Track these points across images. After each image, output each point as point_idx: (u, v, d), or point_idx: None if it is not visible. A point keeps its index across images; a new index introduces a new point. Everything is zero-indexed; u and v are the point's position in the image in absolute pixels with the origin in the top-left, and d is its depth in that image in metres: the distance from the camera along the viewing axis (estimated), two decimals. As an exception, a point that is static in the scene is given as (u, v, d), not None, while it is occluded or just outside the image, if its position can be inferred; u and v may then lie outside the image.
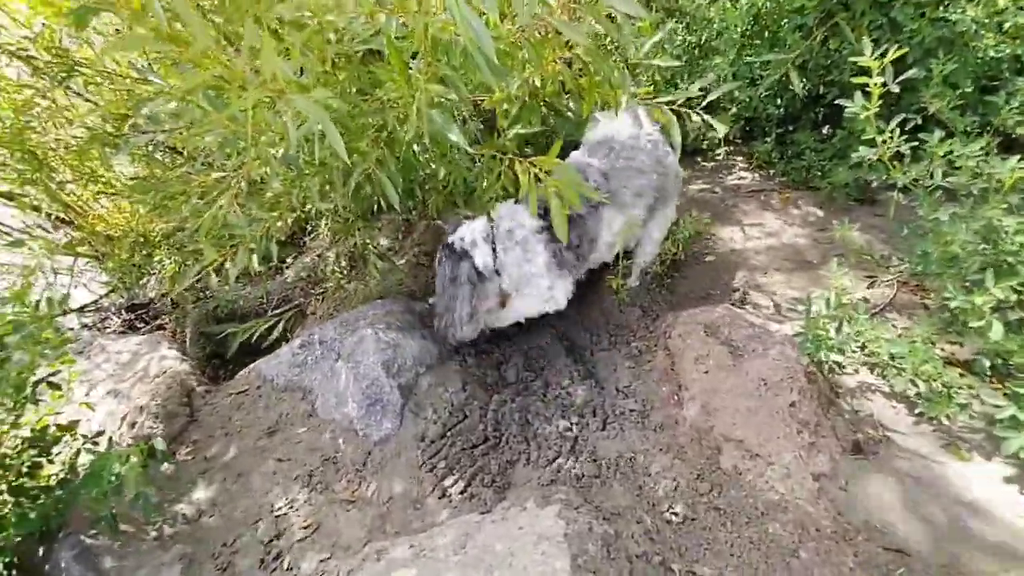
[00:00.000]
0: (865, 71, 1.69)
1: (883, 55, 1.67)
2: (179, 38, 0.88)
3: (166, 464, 1.81)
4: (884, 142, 1.71)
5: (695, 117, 1.70)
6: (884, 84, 1.67)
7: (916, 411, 1.69)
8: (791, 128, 3.10)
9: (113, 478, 1.59)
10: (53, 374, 1.73)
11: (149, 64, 1.62)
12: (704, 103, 1.77)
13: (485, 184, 1.82)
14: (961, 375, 1.72)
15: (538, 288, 1.99)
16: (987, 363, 1.68)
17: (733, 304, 2.22)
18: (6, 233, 3.10)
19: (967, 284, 1.62)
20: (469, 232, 1.92)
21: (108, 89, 2.65)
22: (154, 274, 3.19)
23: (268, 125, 1.28)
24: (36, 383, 1.67)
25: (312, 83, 1.09)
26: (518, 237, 1.90)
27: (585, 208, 1.92)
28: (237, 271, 1.62)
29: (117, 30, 2.58)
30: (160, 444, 1.71)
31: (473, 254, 1.89)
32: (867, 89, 1.70)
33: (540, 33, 1.42)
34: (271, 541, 1.65)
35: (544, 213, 1.81)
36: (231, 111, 1.05)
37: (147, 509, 1.59)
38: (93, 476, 1.57)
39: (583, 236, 1.97)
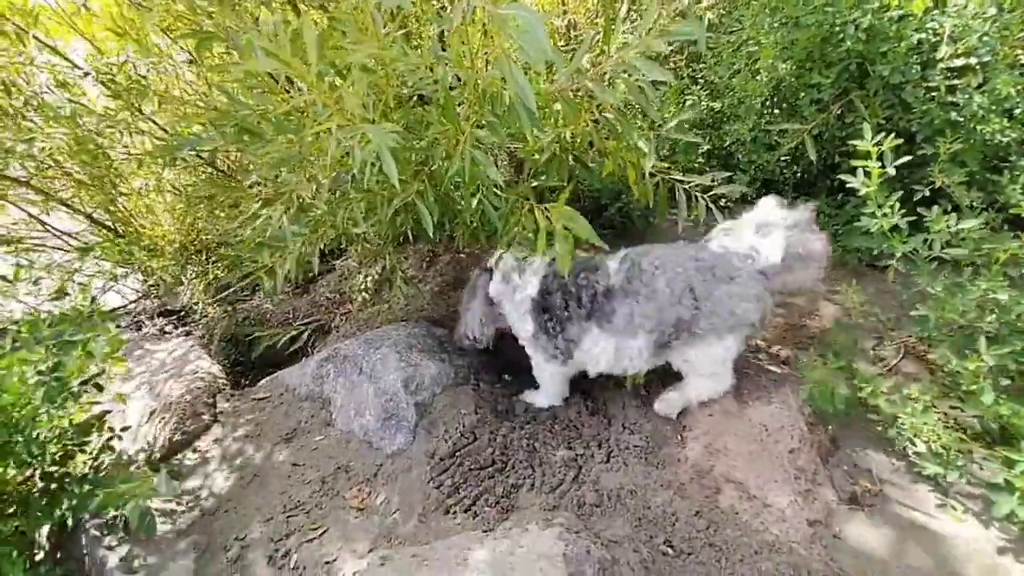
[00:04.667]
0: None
1: (886, 137, 1.80)
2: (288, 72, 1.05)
3: (175, 483, 1.90)
4: (884, 215, 1.82)
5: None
6: (882, 166, 1.80)
7: (914, 469, 1.73)
8: (808, 192, 3.23)
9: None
10: (99, 374, 1.82)
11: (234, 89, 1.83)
12: (722, 163, 1.93)
13: (508, 224, 1.96)
14: (961, 439, 1.76)
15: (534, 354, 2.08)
16: (984, 427, 1.73)
17: (742, 353, 2.29)
18: (57, 237, 3.35)
19: (964, 350, 1.69)
20: (503, 261, 2.00)
21: (174, 110, 2.93)
22: (188, 283, 3.39)
23: (325, 150, 1.45)
24: (83, 382, 1.74)
25: (377, 118, 1.26)
26: (518, 298, 1.98)
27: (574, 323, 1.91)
28: (283, 276, 1.77)
29: (191, 60, 2.87)
30: (163, 477, 1.81)
31: (495, 268, 2.03)
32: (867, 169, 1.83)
33: (574, 93, 1.60)
34: (280, 540, 1.72)
35: (541, 289, 1.91)
36: (303, 135, 1.21)
37: (149, 529, 1.66)
38: (109, 495, 1.64)
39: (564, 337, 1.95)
